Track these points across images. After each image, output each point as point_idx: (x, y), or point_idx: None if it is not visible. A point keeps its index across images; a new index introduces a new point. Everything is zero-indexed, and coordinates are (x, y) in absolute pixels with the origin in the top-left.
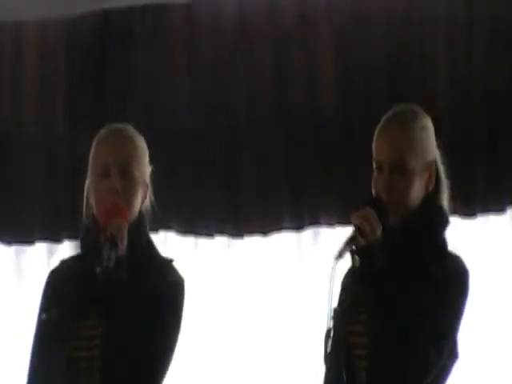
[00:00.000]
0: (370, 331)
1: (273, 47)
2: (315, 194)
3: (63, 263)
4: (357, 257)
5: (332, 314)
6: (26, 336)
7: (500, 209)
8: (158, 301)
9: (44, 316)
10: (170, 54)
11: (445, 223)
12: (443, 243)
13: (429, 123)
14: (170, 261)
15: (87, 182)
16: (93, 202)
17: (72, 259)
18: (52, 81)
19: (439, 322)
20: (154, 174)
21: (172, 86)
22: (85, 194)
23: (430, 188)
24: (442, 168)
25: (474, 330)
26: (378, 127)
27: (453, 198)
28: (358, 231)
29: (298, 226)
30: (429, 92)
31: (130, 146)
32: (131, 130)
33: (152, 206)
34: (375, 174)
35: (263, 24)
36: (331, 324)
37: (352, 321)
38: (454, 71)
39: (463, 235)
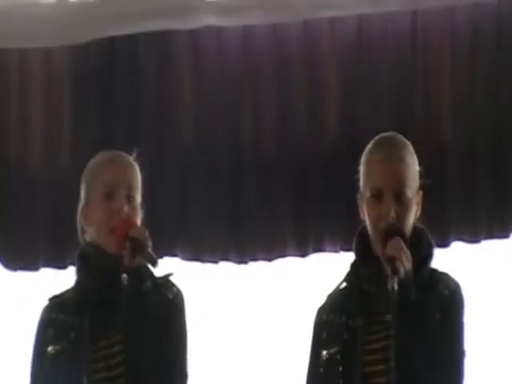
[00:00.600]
0: (391, 360)
1: (277, 74)
2: (319, 220)
3: (56, 298)
4: (394, 289)
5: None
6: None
7: (504, 234)
8: (169, 311)
9: (50, 348)
10: (176, 80)
11: (433, 246)
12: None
13: (412, 149)
14: (169, 275)
15: (80, 206)
16: (91, 225)
17: (68, 292)
18: (58, 108)
19: (458, 340)
20: (160, 203)
21: (178, 112)
22: (78, 219)
23: (418, 214)
24: None
25: (479, 352)
26: (370, 155)
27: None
28: (397, 262)
29: (303, 252)
30: (433, 117)
31: (132, 171)
32: (127, 155)
33: None
34: (370, 201)
35: (268, 50)
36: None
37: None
38: (458, 97)
39: (468, 260)
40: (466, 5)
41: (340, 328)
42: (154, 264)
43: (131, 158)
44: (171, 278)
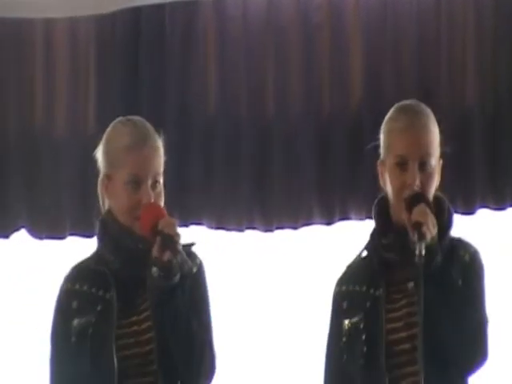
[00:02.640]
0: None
1: (302, 43)
2: (345, 188)
3: (78, 267)
4: (422, 254)
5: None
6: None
7: None
8: (195, 284)
9: (76, 321)
10: (202, 50)
11: (453, 214)
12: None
13: (434, 117)
14: (192, 245)
15: (102, 175)
16: (112, 198)
17: (89, 260)
18: (84, 78)
19: (480, 305)
20: (185, 172)
21: (204, 83)
22: (99, 188)
23: (438, 183)
24: None
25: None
26: (393, 122)
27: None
28: (424, 227)
29: (328, 220)
30: (458, 82)
31: (157, 155)
32: (151, 129)
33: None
34: (394, 169)
35: (293, 18)
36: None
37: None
38: (482, 62)
39: (493, 228)
40: None
41: (362, 297)
42: (181, 260)
43: (155, 134)
44: (192, 249)
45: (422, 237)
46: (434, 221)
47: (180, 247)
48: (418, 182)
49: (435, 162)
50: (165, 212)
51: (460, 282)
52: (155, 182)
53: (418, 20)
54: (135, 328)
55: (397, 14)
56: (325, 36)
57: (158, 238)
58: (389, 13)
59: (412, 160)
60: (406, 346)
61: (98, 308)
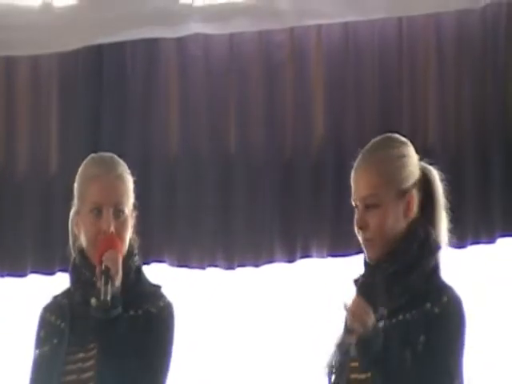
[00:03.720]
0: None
1: (264, 81)
2: (306, 226)
3: (55, 298)
4: (353, 346)
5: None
6: (17, 368)
7: (491, 239)
8: (149, 327)
9: (37, 352)
10: (163, 88)
11: (431, 251)
12: (433, 272)
13: (406, 150)
14: (159, 287)
15: (73, 213)
16: (81, 235)
17: (63, 294)
18: (45, 116)
19: (446, 361)
20: (147, 209)
21: (165, 121)
22: (70, 225)
23: (411, 215)
24: (439, 192)
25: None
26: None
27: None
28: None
29: (290, 258)
30: (419, 122)
31: (120, 184)
32: (117, 161)
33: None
34: (355, 212)
35: (254, 57)
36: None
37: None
38: (444, 102)
39: (454, 265)
40: (451, 12)
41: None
42: (105, 303)
43: (120, 168)
44: (161, 290)
45: (349, 332)
46: (368, 311)
47: (114, 281)
48: (359, 224)
49: (390, 197)
50: (117, 243)
51: (422, 339)
52: (118, 210)
53: (381, 59)
54: (79, 365)
55: (359, 52)
56: (287, 74)
57: (98, 269)
58: (351, 51)
59: (359, 201)
60: None
61: (55, 341)
